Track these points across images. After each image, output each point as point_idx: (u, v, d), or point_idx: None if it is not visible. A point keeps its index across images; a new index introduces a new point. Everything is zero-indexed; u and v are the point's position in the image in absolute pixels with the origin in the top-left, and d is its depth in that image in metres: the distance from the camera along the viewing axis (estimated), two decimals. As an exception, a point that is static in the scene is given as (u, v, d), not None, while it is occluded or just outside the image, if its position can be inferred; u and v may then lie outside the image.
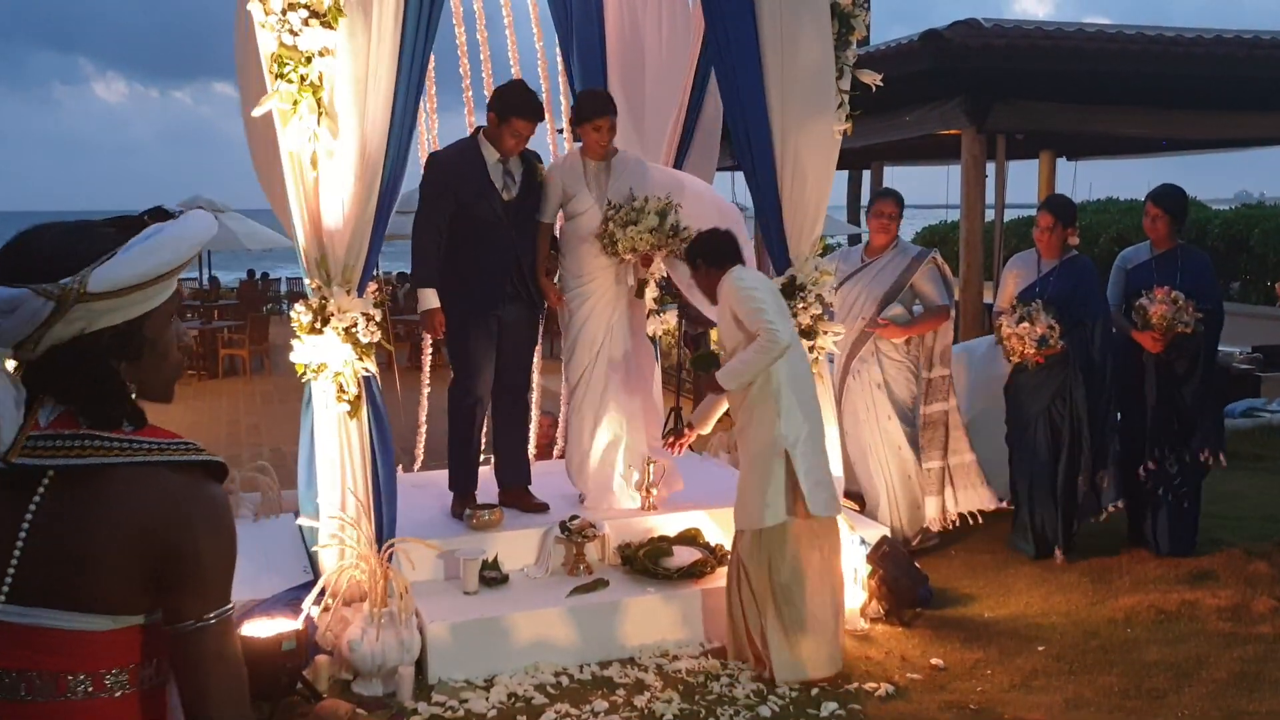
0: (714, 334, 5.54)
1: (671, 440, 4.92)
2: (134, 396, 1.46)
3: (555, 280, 5.04)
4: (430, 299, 4.74)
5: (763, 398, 4.16)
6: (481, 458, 5.14)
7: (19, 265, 1.35)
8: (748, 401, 4.21)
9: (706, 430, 4.94)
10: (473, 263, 4.77)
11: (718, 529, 4.91)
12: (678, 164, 5.78)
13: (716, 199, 5.43)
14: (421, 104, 4.79)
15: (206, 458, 1.44)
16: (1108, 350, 5.40)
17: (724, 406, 4.56)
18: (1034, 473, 5.47)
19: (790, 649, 4.13)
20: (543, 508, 4.99)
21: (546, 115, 6.35)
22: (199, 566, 1.39)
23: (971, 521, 5.76)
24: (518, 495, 5.05)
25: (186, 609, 1.39)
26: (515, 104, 4.71)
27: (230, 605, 1.44)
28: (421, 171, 4.98)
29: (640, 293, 5.26)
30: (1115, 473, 5.41)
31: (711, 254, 4.36)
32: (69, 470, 1.36)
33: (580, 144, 4.97)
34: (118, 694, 1.40)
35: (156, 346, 1.46)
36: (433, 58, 6.01)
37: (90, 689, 1.38)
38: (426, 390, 6.38)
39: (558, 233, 5.11)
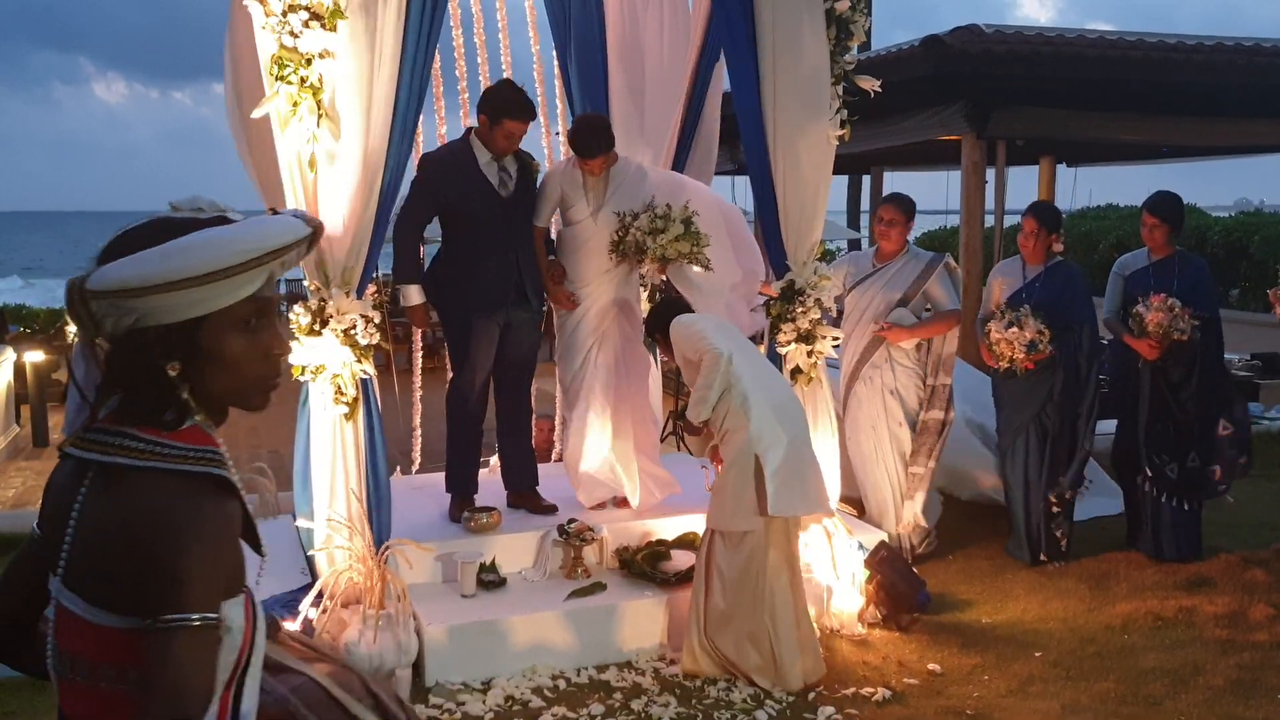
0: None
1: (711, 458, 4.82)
2: (187, 399, 1.42)
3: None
4: (414, 295, 4.73)
5: (734, 412, 4.19)
6: (481, 459, 5.14)
7: (103, 248, 1.40)
8: (724, 424, 4.24)
9: None
10: (475, 263, 4.75)
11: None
12: (678, 165, 5.77)
13: (718, 199, 5.42)
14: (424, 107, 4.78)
15: (214, 470, 1.41)
16: (1095, 356, 5.39)
17: None
18: (1026, 479, 5.47)
19: (775, 658, 4.11)
20: (551, 509, 4.98)
21: (543, 118, 6.33)
22: (174, 568, 1.32)
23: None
24: (526, 498, 5.05)
25: (157, 605, 1.32)
26: (506, 105, 4.67)
27: (214, 616, 1.35)
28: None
29: (653, 297, 5.26)
30: (1087, 477, 5.45)
31: (666, 324, 4.53)
32: (103, 466, 1.39)
33: None
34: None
35: (215, 354, 1.41)
36: (437, 58, 6.01)
37: (115, 679, 1.39)
38: (419, 393, 6.38)
39: (554, 236, 5.11)
